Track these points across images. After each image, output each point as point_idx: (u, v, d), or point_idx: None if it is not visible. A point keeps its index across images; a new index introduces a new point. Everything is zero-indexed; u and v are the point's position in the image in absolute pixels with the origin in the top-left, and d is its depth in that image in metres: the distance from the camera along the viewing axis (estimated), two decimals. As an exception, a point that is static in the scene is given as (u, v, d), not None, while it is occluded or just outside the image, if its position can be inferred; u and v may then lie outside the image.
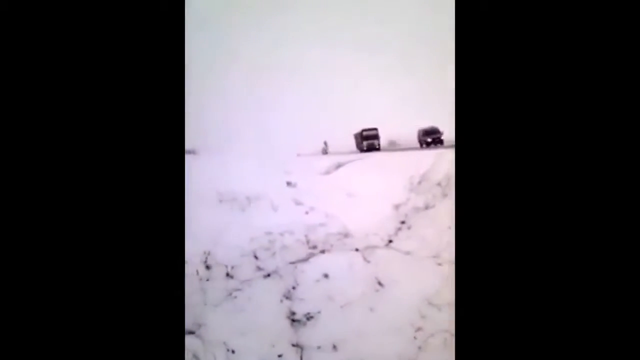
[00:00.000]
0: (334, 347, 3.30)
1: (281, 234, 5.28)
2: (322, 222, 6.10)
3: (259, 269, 4.50)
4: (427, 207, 6.32)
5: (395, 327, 3.32)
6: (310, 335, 3.39)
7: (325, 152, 19.40)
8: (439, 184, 7.35)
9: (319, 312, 3.58)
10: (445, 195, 6.60)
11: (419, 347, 3.13)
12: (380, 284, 4.04)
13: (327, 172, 10.10)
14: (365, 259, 4.66)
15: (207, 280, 4.15)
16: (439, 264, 4.44)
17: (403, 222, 6.11)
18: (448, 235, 5.21)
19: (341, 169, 10.42)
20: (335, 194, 8.23)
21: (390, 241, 5.44)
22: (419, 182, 7.76)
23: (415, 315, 3.48)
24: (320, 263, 4.53)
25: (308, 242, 5.25)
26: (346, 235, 5.63)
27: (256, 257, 4.67)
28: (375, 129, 20.53)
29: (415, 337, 3.21)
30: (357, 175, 9.09)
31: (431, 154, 10.06)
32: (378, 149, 19.35)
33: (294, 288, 4.08)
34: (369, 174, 9.07)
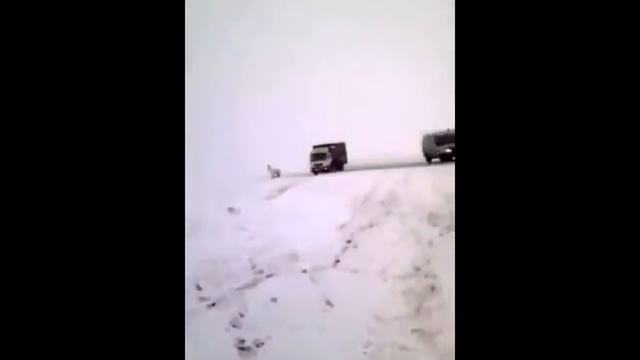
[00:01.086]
0: (285, 371, 3.23)
1: (224, 261, 5.17)
2: (267, 245, 6.04)
3: (202, 299, 4.35)
4: (371, 225, 6.45)
5: (345, 344, 3.30)
6: (261, 361, 3.30)
7: (275, 175, 18.86)
8: (382, 203, 7.56)
9: (268, 337, 3.49)
10: (388, 212, 6.77)
11: (369, 363, 3.13)
12: (329, 303, 4.02)
13: (271, 196, 10.09)
14: (313, 280, 4.64)
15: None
16: (385, 280, 4.50)
17: (349, 242, 6.19)
18: (392, 251, 5.33)
19: (287, 192, 10.44)
20: (280, 217, 8.21)
21: (338, 261, 5.46)
22: (363, 202, 7.93)
23: (363, 330, 3.48)
24: (268, 287, 4.45)
25: (254, 267, 5.16)
26: (293, 257, 5.59)
27: (199, 288, 4.52)
28: (326, 147, 19.59)
29: (365, 353, 3.20)
30: (303, 198, 9.15)
31: (374, 173, 10.37)
32: (326, 170, 18.36)
33: (241, 315, 3.97)
34: (314, 196, 9.16)
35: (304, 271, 5.02)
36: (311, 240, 6.20)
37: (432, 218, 5.66)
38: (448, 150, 14.03)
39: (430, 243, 5.02)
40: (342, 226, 6.87)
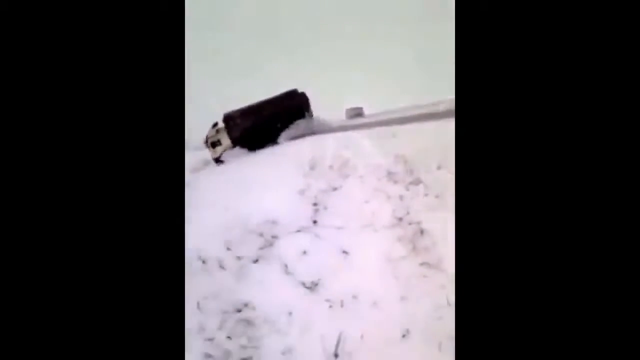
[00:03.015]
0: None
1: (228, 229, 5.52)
2: (240, 217, 6.41)
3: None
4: (335, 189, 7.09)
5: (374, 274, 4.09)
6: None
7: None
8: (331, 167, 8.20)
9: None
10: (346, 176, 7.46)
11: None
12: (345, 252, 4.71)
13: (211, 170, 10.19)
14: (317, 236, 5.24)
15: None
16: (376, 231, 5.26)
17: (315, 204, 6.76)
18: (368, 208, 6.06)
19: (229, 166, 10.59)
20: (227, 186, 8.50)
21: (315, 221, 6.06)
22: (311, 168, 8.51)
23: (382, 269, 4.27)
24: (280, 250, 4.99)
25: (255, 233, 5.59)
26: (273, 223, 6.07)
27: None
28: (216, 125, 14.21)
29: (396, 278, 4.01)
30: (245, 171, 9.39)
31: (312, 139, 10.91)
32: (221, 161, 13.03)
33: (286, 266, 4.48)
34: (256, 168, 9.46)
35: (298, 231, 5.62)
36: (278, 206, 6.68)
37: (391, 176, 6.48)
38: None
39: (401, 197, 5.86)
40: (301, 191, 7.40)
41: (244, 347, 3.22)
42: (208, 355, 3.20)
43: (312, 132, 12.74)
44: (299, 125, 13.77)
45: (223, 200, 7.12)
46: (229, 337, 3.38)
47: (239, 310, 3.70)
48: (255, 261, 4.62)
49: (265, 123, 13.31)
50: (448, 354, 2.87)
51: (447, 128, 8.66)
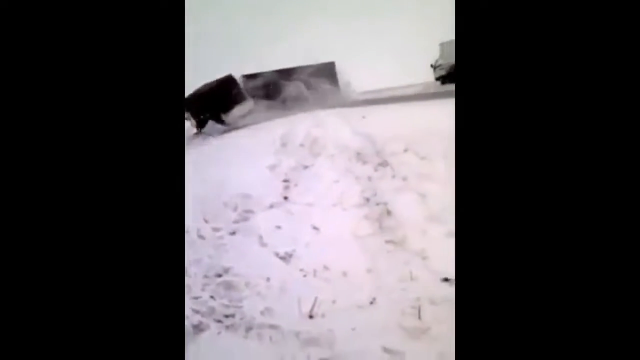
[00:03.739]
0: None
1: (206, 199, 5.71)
2: (215, 189, 6.59)
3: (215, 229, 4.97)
4: (306, 167, 7.35)
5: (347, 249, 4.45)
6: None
7: None
8: (302, 145, 8.44)
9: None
10: (316, 154, 7.72)
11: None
12: (315, 228, 5.03)
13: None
14: (289, 212, 5.54)
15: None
16: (345, 209, 5.60)
17: (286, 181, 7.00)
18: (337, 188, 6.35)
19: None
20: (203, 159, 8.64)
21: (286, 197, 6.33)
22: (282, 145, 8.74)
23: (351, 245, 4.63)
24: (258, 222, 5.26)
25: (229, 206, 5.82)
26: (247, 196, 6.30)
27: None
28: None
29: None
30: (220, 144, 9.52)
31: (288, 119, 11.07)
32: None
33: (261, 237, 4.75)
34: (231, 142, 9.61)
35: (271, 207, 5.89)
36: (250, 181, 6.91)
37: (361, 157, 6.80)
38: None
39: (369, 178, 6.20)
40: (271, 167, 7.61)
41: (226, 305, 3.50)
42: (196, 311, 3.47)
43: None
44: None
45: (201, 173, 7.26)
46: (212, 297, 3.65)
47: (220, 275, 3.97)
48: (233, 233, 4.88)
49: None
50: (412, 318, 3.26)
51: (415, 112, 9.07)
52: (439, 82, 18.75)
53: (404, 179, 5.62)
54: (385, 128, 7.46)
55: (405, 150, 6.32)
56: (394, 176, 5.81)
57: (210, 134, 12.40)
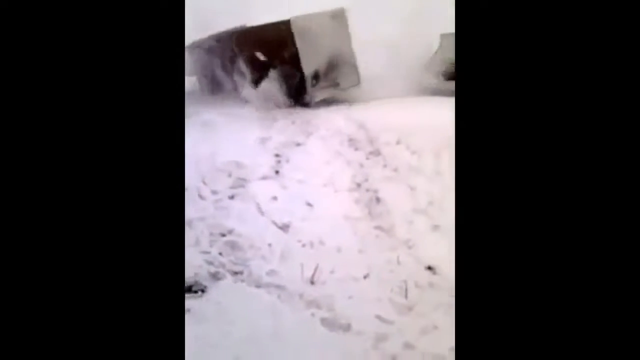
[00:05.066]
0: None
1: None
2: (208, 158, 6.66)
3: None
4: (298, 144, 7.47)
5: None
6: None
7: None
8: (293, 122, 8.51)
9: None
10: (309, 134, 7.83)
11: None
12: (309, 204, 5.28)
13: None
14: (284, 187, 5.73)
15: None
16: (336, 191, 5.84)
17: (278, 155, 7.14)
18: (329, 169, 6.57)
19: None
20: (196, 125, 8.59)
21: (277, 172, 6.49)
22: (273, 120, 8.79)
23: (342, 225, 4.92)
24: (255, 190, 5.44)
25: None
26: (240, 165, 6.43)
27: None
28: None
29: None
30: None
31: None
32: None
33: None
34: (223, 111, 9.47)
35: (264, 178, 6.06)
36: (241, 150, 7.00)
37: (353, 143, 7.02)
38: None
39: (361, 165, 6.44)
40: (262, 140, 7.67)
41: (235, 263, 3.74)
42: (209, 262, 3.69)
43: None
44: None
45: (192, 138, 7.25)
46: (220, 254, 3.88)
47: (224, 235, 4.19)
48: (232, 197, 5.07)
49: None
50: (399, 297, 3.63)
51: (409, 106, 9.24)
52: (435, 78, 18.86)
53: (395, 169, 5.89)
54: (378, 118, 7.59)
55: (398, 143, 6.55)
56: (385, 166, 6.06)
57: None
